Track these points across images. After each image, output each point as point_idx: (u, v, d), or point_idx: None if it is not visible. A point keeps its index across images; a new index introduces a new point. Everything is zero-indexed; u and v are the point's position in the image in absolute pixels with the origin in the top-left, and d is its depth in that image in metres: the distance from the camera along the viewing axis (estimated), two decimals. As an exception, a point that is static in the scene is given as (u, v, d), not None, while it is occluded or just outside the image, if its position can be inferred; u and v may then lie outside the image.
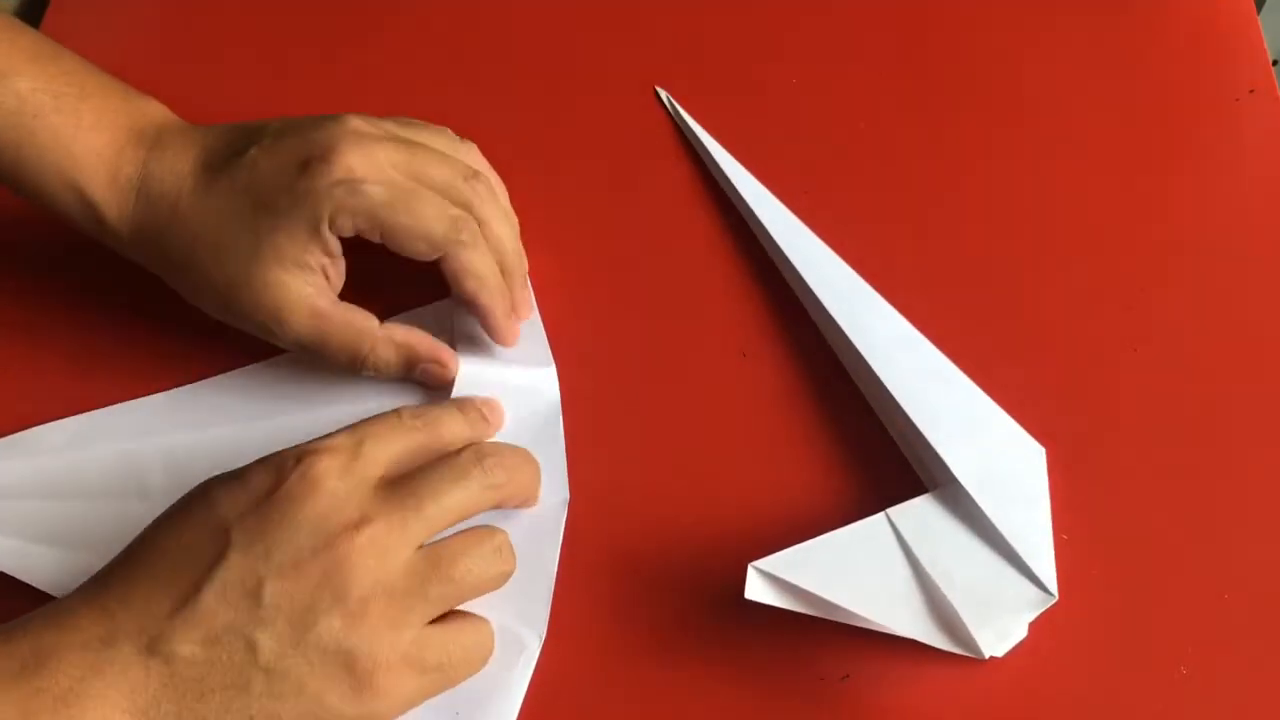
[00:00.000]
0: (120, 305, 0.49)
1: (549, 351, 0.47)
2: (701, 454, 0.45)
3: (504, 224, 0.45)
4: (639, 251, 0.50)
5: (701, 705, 0.40)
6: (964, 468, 0.41)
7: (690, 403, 0.46)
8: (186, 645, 0.34)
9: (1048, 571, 0.40)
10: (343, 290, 0.44)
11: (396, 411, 0.40)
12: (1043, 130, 0.52)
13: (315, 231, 0.42)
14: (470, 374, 0.45)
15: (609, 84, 0.55)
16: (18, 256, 0.50)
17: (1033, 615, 0.40)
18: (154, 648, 0.34)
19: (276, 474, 0.36)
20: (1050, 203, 0.50)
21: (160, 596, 0.34)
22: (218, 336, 0.46)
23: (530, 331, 0.47)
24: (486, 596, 0.39)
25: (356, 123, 0.43)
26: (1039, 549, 0.40)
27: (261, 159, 0.43)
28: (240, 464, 0.44)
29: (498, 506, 0.40)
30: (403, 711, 0.37)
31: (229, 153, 0.44)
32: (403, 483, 0.38)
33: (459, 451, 0.39)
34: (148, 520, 0.43)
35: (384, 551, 0.36)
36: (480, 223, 0.44)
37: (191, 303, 0.45)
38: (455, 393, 0.45)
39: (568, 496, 0.44)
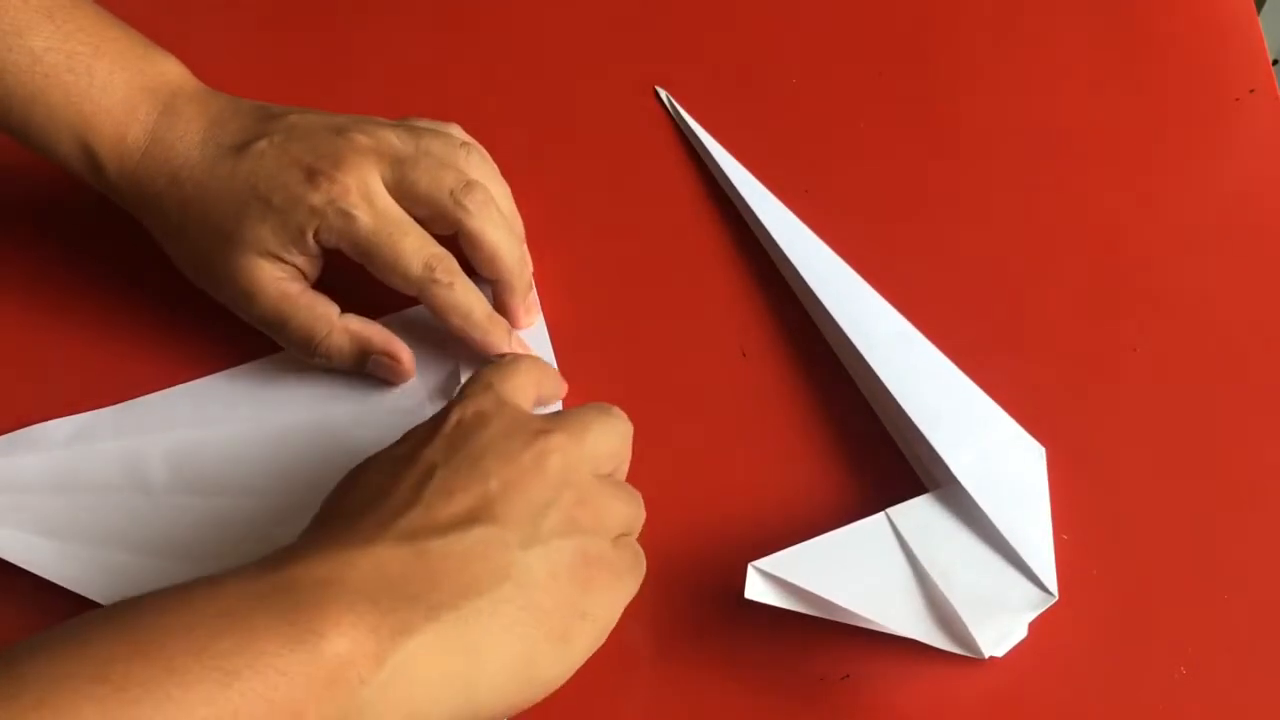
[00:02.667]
0: (124, 304, 0.49)
1: (553, 358, 0.47)
2: (701, 454, 0.45)
3: (502, 231, 0.45)
4: (639, 251, 0.50)
5: (701, 705, 0.40)
6: (964, 468, 0.41)
7: (690, 403, 0.46)
8: (434, 538, 0.33)
9: (1048, 571, 0.40)
10: (340, 293, 0.45)
11: (473, 375, 0.40)
12: (1042, 130, 0.52)
13: (300, 236, 0.43)
14: None
15: (609, 84, 0.55)
16: (21, 258, 0.50)
17: (1033, 615, 0.40)
18: (400, 541, 0.33)
19: (441, 420, 0.37)
20: (1050, 202, 0.50)
21: (384, 510, 0.34)
22: (221, 335, 0.46)
23: (535, 337, 0.47)
24: None
25: (362, 139, 0.44)
26: (1039, 549, 0.40)
27: (270, 153, 0.43)
28: (242, 460, 0.45)
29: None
30: (615, 619, 0.36)
31: (240, 136, 0.44)
32: (557, 416, 0.38)
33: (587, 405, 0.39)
34: (150, 514, 0.43)
35: (573, 457, 0.36)
36: (474, 236, 0.44)
37: (173, 261, 0.46)
38: None
39: None
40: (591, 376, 0.47)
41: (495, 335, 0.45)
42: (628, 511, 0.38)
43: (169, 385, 0.47)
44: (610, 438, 0.38)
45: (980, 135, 0.52)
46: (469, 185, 0.44)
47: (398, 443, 0.38)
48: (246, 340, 0.46)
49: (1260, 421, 0.45)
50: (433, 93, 0.55)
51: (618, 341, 0.48)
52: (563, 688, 0.39)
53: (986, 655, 0.38)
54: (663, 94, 0.54)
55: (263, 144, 0.44)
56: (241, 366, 0.47)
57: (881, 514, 0.41)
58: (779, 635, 0.41)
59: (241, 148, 0.44)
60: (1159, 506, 0.43)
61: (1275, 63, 0.59)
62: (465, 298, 0.44)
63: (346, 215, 0.43)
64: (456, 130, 0.48)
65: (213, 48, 0.53)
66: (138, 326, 0.48)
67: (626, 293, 0.49)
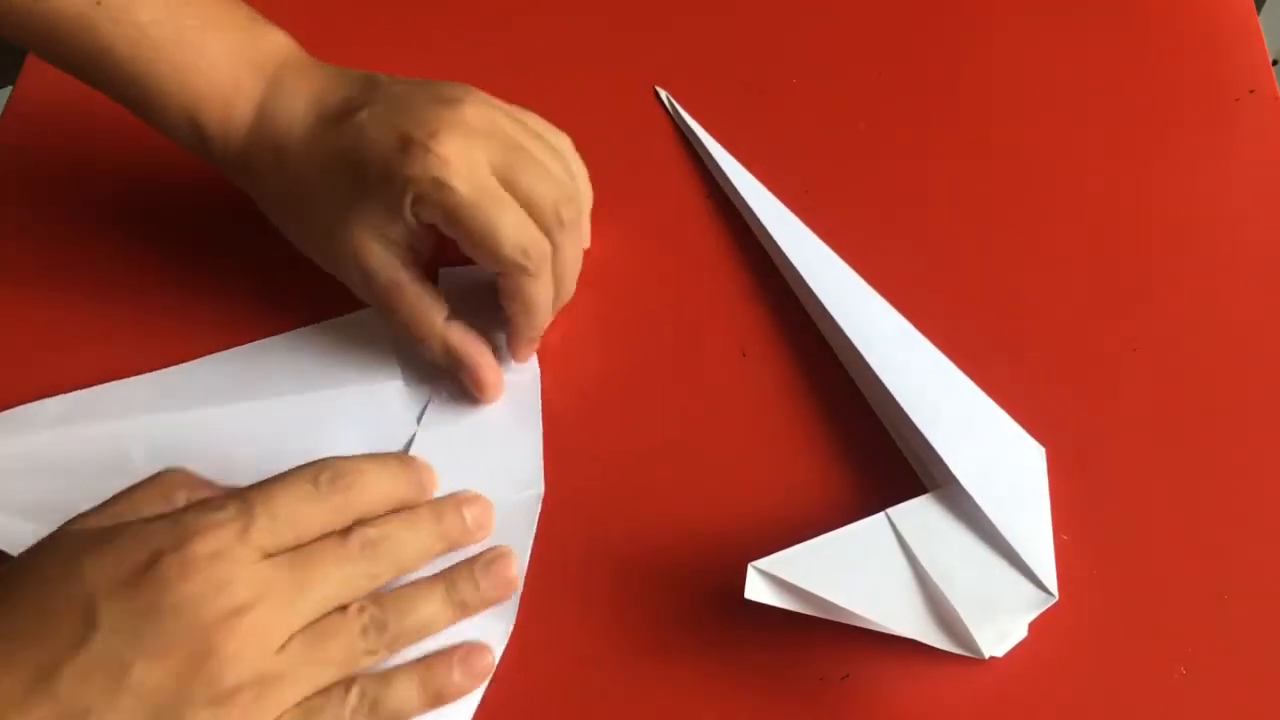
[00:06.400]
0: (110, 287, 0.49)
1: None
2: (701, 454, 0.45)
3: (575, 252, 0.45)
4: (638, 251, 0.50)
5: (701, 705, 0.40)
6: (964, 468, 0.41)
7: (690, 403, 0.46)
8: None
9: (1048, 571, 0.40)
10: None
11: (312, 473, 0.37)
12: (1043, 130, 0.52)
13: (398, 211, 0.42)
14: None
15: (609, 84, 0.55)
16: (7, 239, 0.50)
17: (1033, 615, 0.40)
18: None
19: (152, 552, 0.33)
20: (1050, 202, 0.50)
21: (17, 671, 0.32)
22: (206, 321, 0.46)
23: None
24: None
25: (470, 111, 0.42)
26: (1039, 549, 0.40)
27: (369, 125, 0.42)
28: (221, 444, 0.44)
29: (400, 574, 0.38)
30: None
31: (343, 107, 0.43)
32: (293, 559, 0.35)
33: (350, 529, 0.37)
34: None
35: (264, 639, 0.34)
36: (554, 249, 0.44)
37: (291, 241, 0.46)
38: None
39: (542, 491, 0.43)
40: (591, 377, 0.47)
41: (534, 332, 0.45)
42: (333, 669, 0.35)
43: (153, 369, 0.47)
44: (352, 576, 0.36)
45: (980, 135, 0.52)
46: (570, 199, 0.43)
47: (106, 541, 0.34)
48: (230, 326, 0.47)
49: (1260, 421, 0.45)
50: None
51: (617, 341, 0.48)
52: (562, 688, 0.39)
53: (986, 655, 0.38)
54: (663, 94, 0.54)
55: (364, 114, 0.42)
56: (224, 352, 0.47)
57: (881, 514, 0.41)
58: (779, 635, 0.41)
59: (342, 117, 0.43)
60: (1159, 506, 0.43)
61: (1275, 63, 0.59)
62: (540, 293, 0.44)
63: (442, 186, 0.41)
64: (567, 144, 0.47)
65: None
66: (124, 311, 0.48)
67: (626, 293, 0.49)
